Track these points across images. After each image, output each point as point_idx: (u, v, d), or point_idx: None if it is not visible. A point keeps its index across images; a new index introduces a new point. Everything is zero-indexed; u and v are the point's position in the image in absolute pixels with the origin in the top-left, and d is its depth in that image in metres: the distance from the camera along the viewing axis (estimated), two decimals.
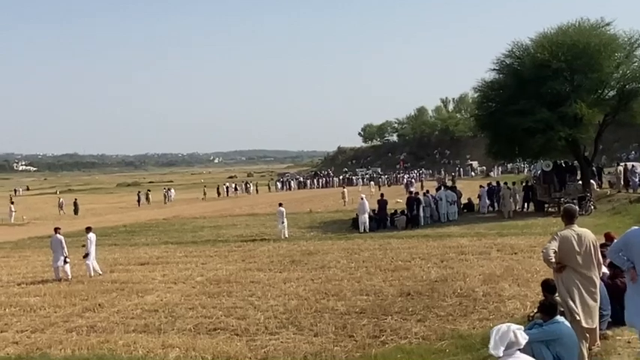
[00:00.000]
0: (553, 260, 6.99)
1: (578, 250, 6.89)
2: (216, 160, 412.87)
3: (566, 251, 6.88)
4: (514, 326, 7.67)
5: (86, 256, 18.41)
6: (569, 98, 27.63)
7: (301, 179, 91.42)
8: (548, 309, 6.83)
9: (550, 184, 29.51)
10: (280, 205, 26.52)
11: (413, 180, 63.24)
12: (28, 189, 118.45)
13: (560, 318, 6.94)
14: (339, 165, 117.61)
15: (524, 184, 34.59)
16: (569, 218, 7.16)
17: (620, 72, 29.08)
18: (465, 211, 32.01)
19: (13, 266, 21.45)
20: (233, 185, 76.46)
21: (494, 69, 31.54)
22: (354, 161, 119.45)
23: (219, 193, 68.77)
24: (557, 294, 7.41)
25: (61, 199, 56.08)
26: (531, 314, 8.54)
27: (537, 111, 27.56)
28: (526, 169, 71.75)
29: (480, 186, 34.88)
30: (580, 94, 27.73)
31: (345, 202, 42.71)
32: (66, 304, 14.40)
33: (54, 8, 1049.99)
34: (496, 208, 32.06)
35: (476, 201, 33.44)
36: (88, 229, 19.38)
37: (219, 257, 20.55)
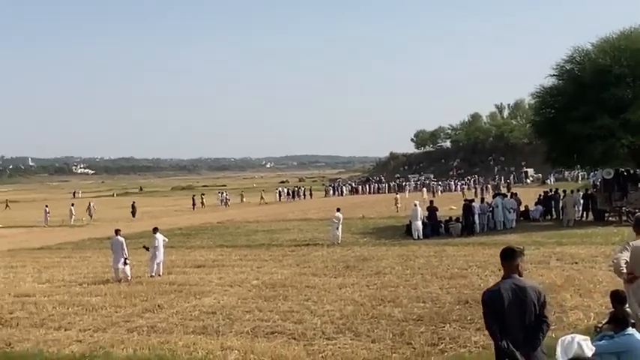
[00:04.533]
0: (625, 271, 6.80)
1: None
2: (268, 165, 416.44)
3: (638, 262, 6.67)
4: (579, 337, 7.51)
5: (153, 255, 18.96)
6: (632, 105, 26.86)
7: (353, 185, 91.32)
8: (620, 320, 6.64)
9: (611, 193, 28.75)
10: (338, 210, 26.55)
11: (489, 185, 64.09)
12: (143, 189, 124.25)
13: (631, 330, 6.73)
14: (390, 171, 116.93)
15: (582, 192, 33.76)
16: None
17: None
18: (522, 219, 31.39)
19: (75, 266, 22.02)
20: (285, 190, 77.02)
21: (553, 74, 30.97)
22: (406, 167, 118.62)
23: (293, 196, 72.91)
24: (627, 305, 7.20)
25: (92, 203, 53.18)
26: (599, 325, 8.31)
27: (598, 117, 26.93)
28: (580, 177, 70.14)
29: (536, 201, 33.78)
30: None
31: (397, 208, 42.49)
32: (126, 304, 14.71)
33: (115, 9, 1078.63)
34: (553, 217, 31.50)
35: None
36: (155, 230, 19.89)
37: (274, 261, 20.67)
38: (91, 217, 49.49)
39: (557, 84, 31.06)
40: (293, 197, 73.12)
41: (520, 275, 5.48)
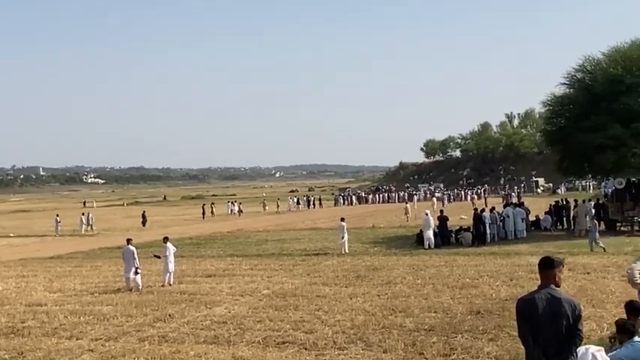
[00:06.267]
0: (639, 281, 6.77)
1: None
2: (277, 175, 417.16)
3: None
4: (593, 348, 7.48)
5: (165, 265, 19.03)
6: None
7: (362, 194, 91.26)
8: (627, 330, 6.69)
9: (623, 203, 28.61)
10: (342, 219, 26.54)
11: (513, 193, 64.45)
12: (166, 197, 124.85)
13: (638, 338, 6.76)
14: (400, 180, 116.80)
15: (594, 202, 33.59)
16: None
17: None
18: (533, 228, 31.26)
19: (86, 275, 22.05)
20: (295, 199, 77.12)
21: (564, 83, 30.95)
22: (416, 177, 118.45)
23: (308, 205, 74.74)
24: None
25: (90, 214, 50.90)
26: (613, 336, 8.26)
27: (610, 127, 26.88)
28: (591, 187, 69.83)
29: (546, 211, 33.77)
30: None
31: (407, 217, 42.41)
32: (137, 313, 14.71)
33: (127, 24, 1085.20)
34: (564, 226, 31.35)
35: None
36: (166, 239, 19.89)
37: (284, 271, 20.66)
38: (89, 226, 48.19)
39: (569, 93, 31.05)
40: (308, 206, 74.09)
41: (557, 286, 5.45)
